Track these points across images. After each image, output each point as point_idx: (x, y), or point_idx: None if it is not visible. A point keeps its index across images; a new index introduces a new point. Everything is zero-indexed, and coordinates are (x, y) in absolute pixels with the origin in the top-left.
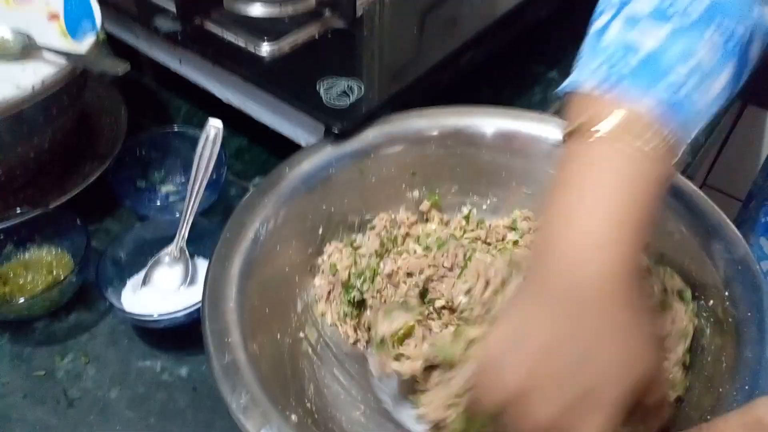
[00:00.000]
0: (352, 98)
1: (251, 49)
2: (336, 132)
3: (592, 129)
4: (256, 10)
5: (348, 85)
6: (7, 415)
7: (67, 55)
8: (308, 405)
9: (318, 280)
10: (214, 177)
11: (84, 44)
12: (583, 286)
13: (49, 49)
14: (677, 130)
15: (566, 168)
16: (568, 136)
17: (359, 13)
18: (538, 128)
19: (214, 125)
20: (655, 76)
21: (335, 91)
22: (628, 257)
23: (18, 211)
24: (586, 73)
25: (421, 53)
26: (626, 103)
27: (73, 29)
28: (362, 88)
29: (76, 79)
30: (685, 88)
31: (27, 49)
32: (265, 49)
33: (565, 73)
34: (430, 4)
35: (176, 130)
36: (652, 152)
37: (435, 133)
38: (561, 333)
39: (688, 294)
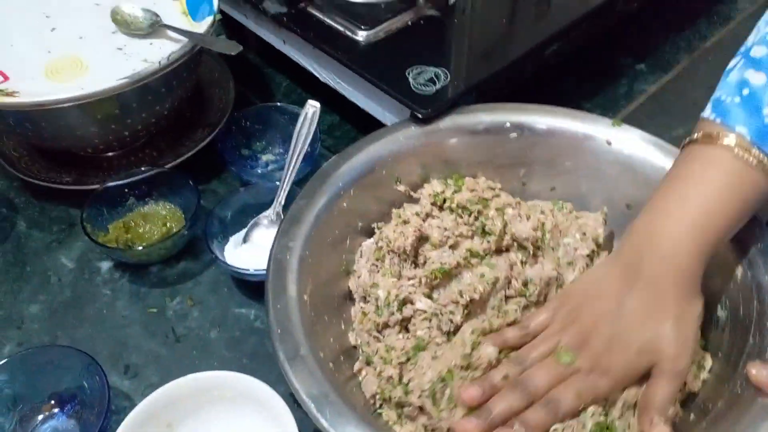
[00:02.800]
0: (438, 85)
1: (349, 33)
2: (420, 117)
3: (712, 137)
4: None
5: (435, 73)
6: (125, 343)
7: (188, 33)
8: (341, 342)
9: (367, 245)
10: (309, 150)
11: (203, 24)
12: (664, 276)
13: (173, 28)
14: None
15: (681, 165)
16: (687, 143)
17: (451, 1)
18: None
19: (312, 105)
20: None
21: (423, 77)
22: (705, 256)
23: (142, 169)
24: (710, 102)
25: (508, 44)
26: (733, 127)
27: (193, 10)
28: (448, 76)
29: (194, 55)
30: None
31: (154, 26)
32: (362, 34)
33: (654, 65)
34: None
35: (278, 105)
36: (757, 165)
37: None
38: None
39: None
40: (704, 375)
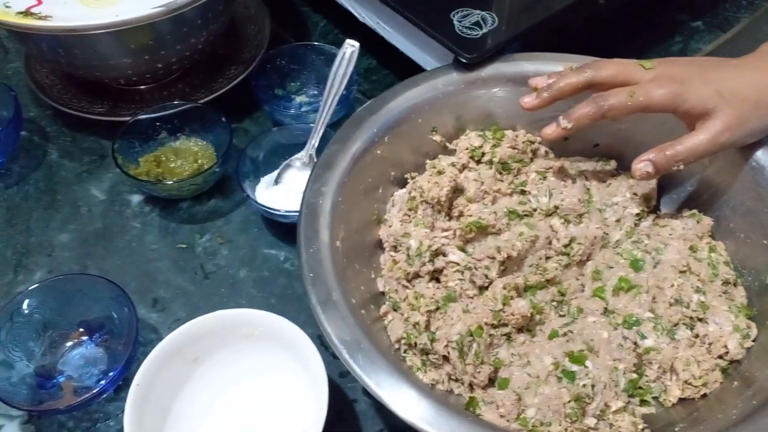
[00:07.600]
0: (484, 30)
1: None
2: (464, 61)
3: None
4: None
5: (482, 16)
6: (154, 277)
7: None
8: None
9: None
10: (345, 93)
11: None
12: None
13: None
14: None
15: None
16: None
17: None
18: None
19: (351, 45)
20: None
21: (468, 21)
22: None
23: (174, 102)
24: None
25: None
26: None
27: None
28: (495, 21)
29: None
30: None
31: None
32: None
33: (712, 23)
34: None
35: (314, 44)
36: None
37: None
38: None
39: None
40: (749, 343)
